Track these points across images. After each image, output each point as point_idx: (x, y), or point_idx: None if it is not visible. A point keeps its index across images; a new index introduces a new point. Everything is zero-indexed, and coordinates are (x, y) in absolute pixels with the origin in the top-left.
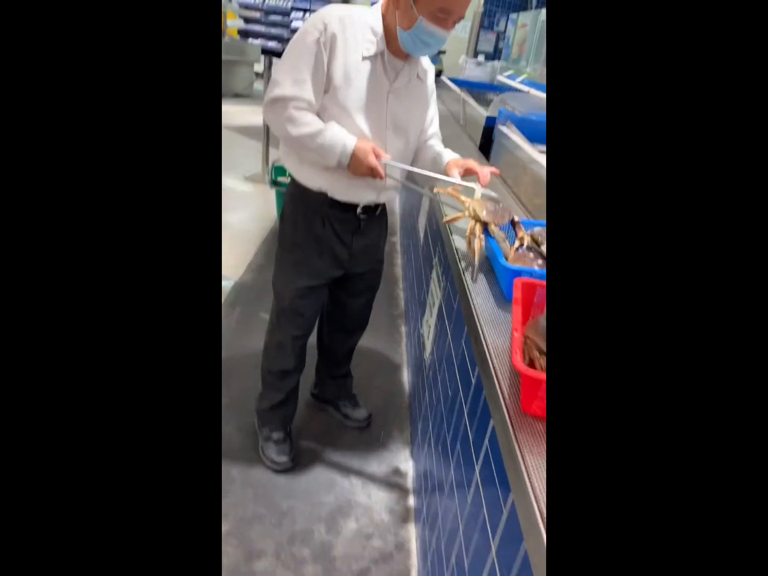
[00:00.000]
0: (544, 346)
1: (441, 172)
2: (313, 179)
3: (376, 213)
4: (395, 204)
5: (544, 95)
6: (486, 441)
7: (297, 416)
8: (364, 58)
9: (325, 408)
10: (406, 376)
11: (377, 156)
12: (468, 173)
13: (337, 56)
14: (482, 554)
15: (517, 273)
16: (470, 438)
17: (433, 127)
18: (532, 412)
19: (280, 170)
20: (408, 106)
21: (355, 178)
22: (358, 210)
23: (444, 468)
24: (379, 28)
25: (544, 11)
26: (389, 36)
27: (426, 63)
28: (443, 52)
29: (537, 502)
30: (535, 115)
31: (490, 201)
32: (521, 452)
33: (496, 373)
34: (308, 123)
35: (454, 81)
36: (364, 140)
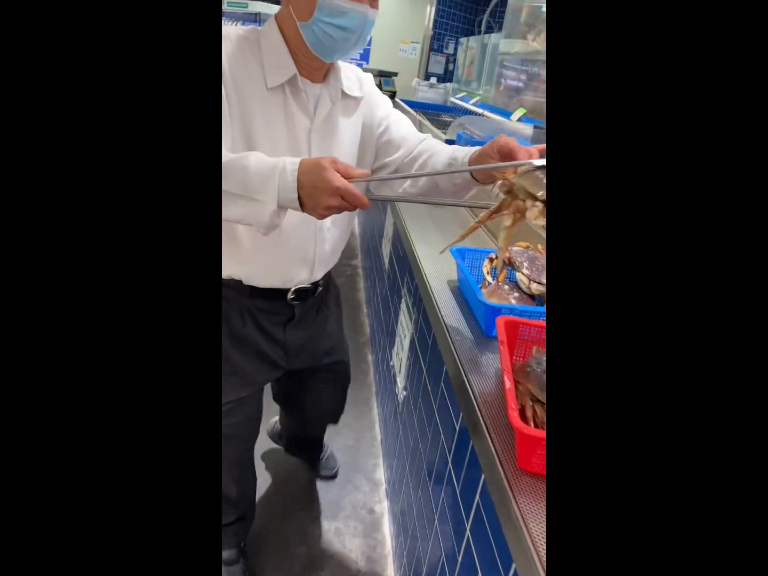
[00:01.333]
0: (537, 393)
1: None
2: (222, 264)
3: (315, 294)
4: (354, 225)
5: (500, 118)
6: (477, 497)
7: (261, 455)
8: (269, 89)
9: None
10: (376, 410)
11: (344, 175)
12: (507, 157)
13: (229, 94)
14: None
15: (497, 311)
16: (457, 490)
17: (397, 131)
18: (531, 469)
19: None
20: (339, 141)
21: (281, 254)
22: (289, 295)
23: (426, 516)
24: (282, 45)
25: (489, 36)
26: (296, 53)
27: (356, 74)
28: (395, 74)
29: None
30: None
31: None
32: (524, 519)
33: (486, 426)
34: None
35: (408, 103)
36: (317, 158)
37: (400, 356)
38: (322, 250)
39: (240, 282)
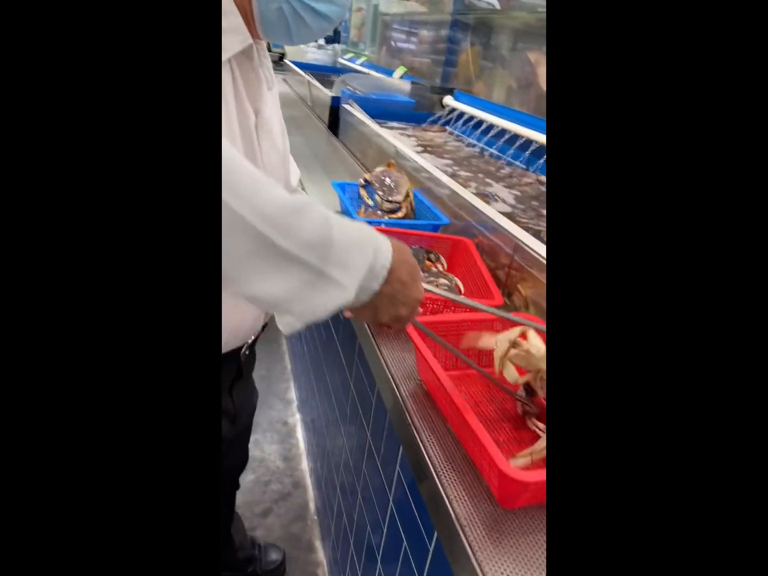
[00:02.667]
0: None
1: None
2: None
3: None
4: None
5: (381, 75)
6: (374, 399)
7: None
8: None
9: None
10: (285, 345)
11: None
12: None
13: None
14: None
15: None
16: (356, 396)
17: (289, 159)
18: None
19: None
20: (278, 138)
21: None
22: (243, 350)
23: (332, 419)
24: (232, 5)
25: None
26: (248, 20)
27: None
28: None
29: None
30: (374, 94)
31: None
32: (406, 407)
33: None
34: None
35: (298, 64)
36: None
37: None
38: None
39: None
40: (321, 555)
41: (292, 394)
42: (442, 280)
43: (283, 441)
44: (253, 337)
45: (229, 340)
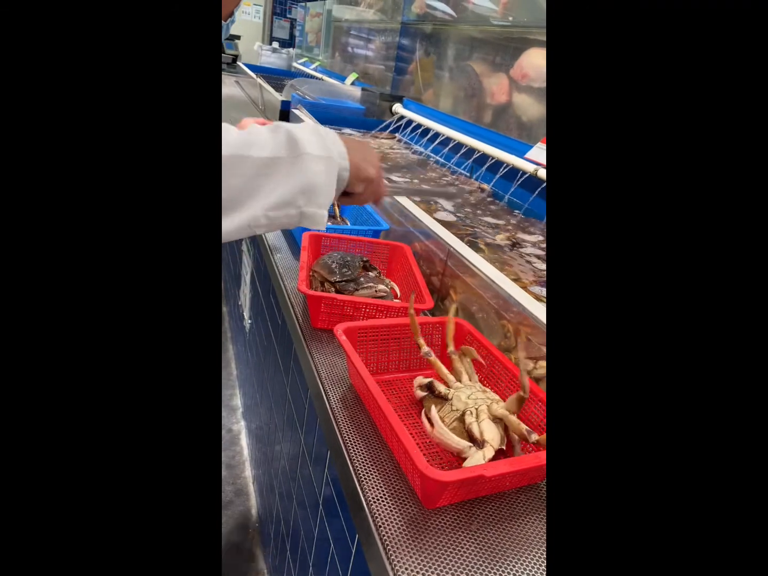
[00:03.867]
0: (325, 275)
1: None
2: None
3: None
4: None
5: (333, 81)
6: (306, 403)
7: None
8: None
9: None
10: (231, 350)
11: None
12: None
13: None
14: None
15: (306, 228)
16: (290, 399)
17: None
18: (319, 326)
19: None
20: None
21: None
22: None
23: (272, 425)
24: None
25: (325, 2)
26: None
27: None
28: (238, 37)
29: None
30: (324, 99)
31: None
32: (330, 405)
33: (289, 298)
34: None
35: (251, 67)
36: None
37: (245, 292)
38: None
39: None
40: (261, 563)
41: (238, 400)
42: (381, 286)
43: (227, 448)
44: None
45: None
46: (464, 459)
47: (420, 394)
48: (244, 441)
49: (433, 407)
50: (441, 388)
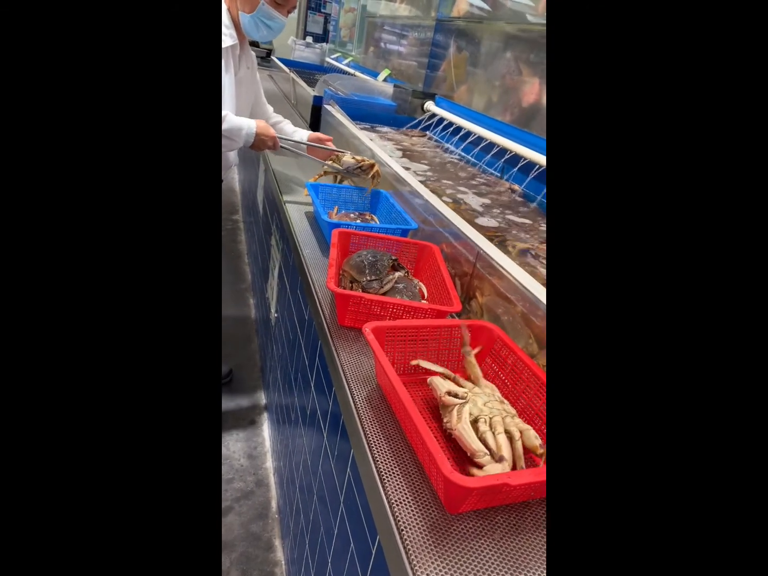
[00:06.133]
0: (353, 274)
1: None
2: None
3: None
4: (235, 183)
5: (365, 77)
6: (331, 399)
7: None
8: (224, 48)
9: None
10: (256, 342)
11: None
12: (319, 142)
13: None
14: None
15: (336, 225)
16: (313, 391)
17: (265, 104)
18: (346, 323)
19: None
20: (246, 93)
21: None
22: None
23: (296, 414)
24: (229, 20)
25: None
26: (237, 29)
27: (253, 55)
28: None
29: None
30: (356, 96)
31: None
32: (349, 386)
33: (317, 294)
34: None
35: (284, 61)
36: (259, 120)
37: (272, 285)
38: (225, 160)
39: None
40: (280, 554)
41: (261, 392)
42: (398, 273)
43: (249, 439)
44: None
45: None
46: (476, 461)
47: (441, 388)
48: (266, 432)
49: (466, 406)
50: (458, 389)
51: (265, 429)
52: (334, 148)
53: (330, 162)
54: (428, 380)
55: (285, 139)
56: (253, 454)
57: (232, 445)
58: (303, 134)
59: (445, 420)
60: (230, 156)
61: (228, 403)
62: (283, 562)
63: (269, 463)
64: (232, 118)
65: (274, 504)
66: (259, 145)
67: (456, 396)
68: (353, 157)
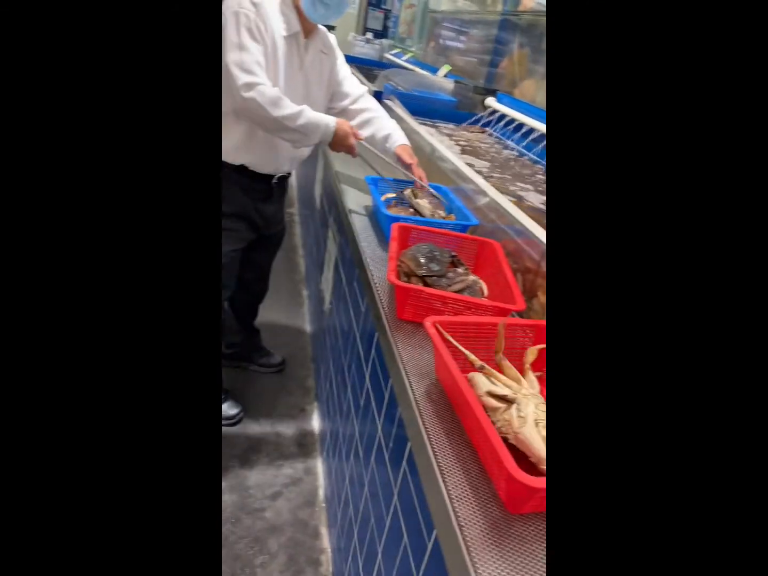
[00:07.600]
0: (412, 266)
1: (389, 150)
2: (235, 157)
3: (286, 181)
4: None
5: (425, 73)
6: (388, 390)
7: None
8: (284, 37)
9: (239, 364)
10: (308, 331)
11: (355, 136)
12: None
13: (267, 34)
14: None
15: (396, 219)
16: (368, 382)
17: (349, 86)
18: (406, 317)
19: None
20: (315, 82)
21: (279, 153)
22: (273, 180)
23: (347, 405)
24: (291, 7)
25: None
26: (300, 15)
27: (330, 39)
28: (333, 28)
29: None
30: (417, 91)
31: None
32: (406, 370)
33: (375, 287)
34: (289, 105)
35: (345, 57)
36: (342, 120)
37: (327, 277)
38: (301, 153)
39: (246, 168)
40: (326, 542)
41: (312, 381)
42: (471, 277)
43: (299, 427)
44: (282, 173)
45: (264, 166)
46: (540, 468)
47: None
48: (315, 422)
49: (531, 403)
50: (506, 391)
51: (315, 418)
52: (414, 177)
53: (410, 190)
54: (468, 376)
55: (366, 147)
56: (303, 442)
57: (283, 432)
58: (392, 143)
59: (495, 421)
60: (304, 150)
61: (279, 392)
62: (329, 550)
63: (318, 452)
64: (308, 113)
65: (321, 492)
66: (336, 147)
67: (504, 398)
68: (430, 205)
